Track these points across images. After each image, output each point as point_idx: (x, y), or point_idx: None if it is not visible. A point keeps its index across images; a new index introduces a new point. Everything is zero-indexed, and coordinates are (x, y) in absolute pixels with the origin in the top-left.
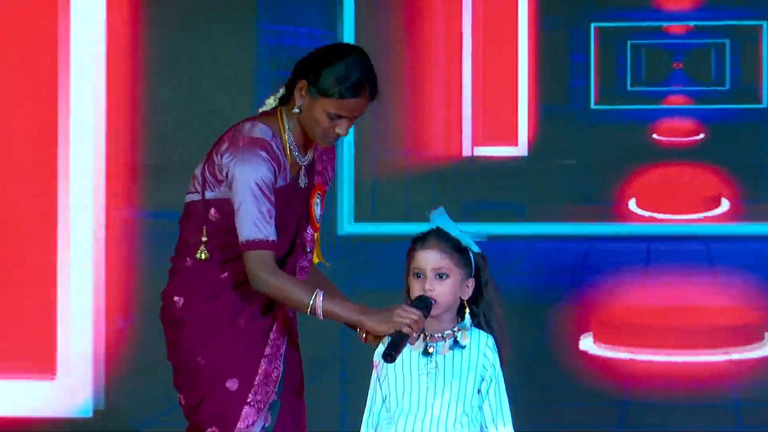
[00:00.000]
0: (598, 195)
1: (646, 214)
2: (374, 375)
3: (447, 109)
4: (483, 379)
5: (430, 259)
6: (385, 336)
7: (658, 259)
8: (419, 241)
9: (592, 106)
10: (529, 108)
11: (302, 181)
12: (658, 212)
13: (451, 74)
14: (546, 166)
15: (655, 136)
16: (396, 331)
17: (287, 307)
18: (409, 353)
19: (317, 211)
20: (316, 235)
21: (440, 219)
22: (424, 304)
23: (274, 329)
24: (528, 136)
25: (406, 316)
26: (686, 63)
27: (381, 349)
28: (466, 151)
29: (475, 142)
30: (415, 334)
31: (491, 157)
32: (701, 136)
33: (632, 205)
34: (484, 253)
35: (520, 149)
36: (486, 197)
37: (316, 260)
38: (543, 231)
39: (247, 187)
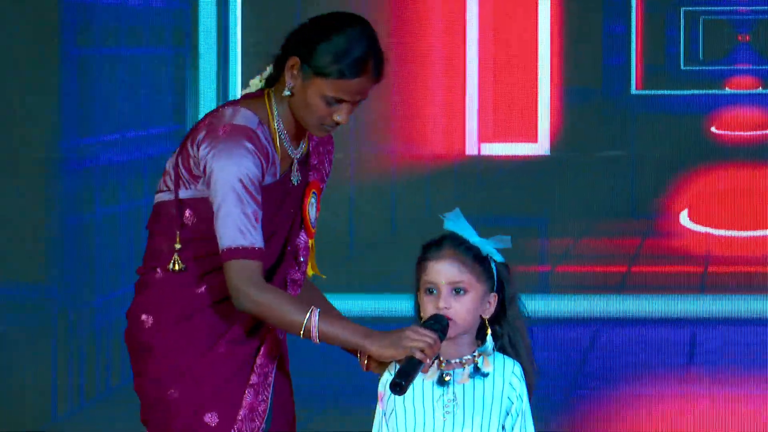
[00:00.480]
0: (640, 206)
1: (702, 229)
2: (379, 409)
3: (446, 93)
4: (508, 414)
5: (445, 271)
6: (391, 363)
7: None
8: (432, 249)
9: (633, 90)
10: (551, 94)
11: (295, 178)
12: (717, 227)
13: (453, 48)
14: (573, 170)
15: (714, 129)
16: (406, 357)
17: (276, 328)
18: (422, 383)
19: (312, 213)
20: (310, 242)
21: (456, 223)
22: (440, 325)
23: (260, 354)
24: (550, 131)
25: (419, 339)
26: (754, 36)
27: (387, 377)
28: (471, 149)
29: (482, 138)
30: (429, 361)
31: (502, 157)
32: None
33: (684, 218)
34: (509, 263)
35: (540, 146)
36: (494, 208)
37: (310, 272)
38: (567, 254)
39: (229, 185)
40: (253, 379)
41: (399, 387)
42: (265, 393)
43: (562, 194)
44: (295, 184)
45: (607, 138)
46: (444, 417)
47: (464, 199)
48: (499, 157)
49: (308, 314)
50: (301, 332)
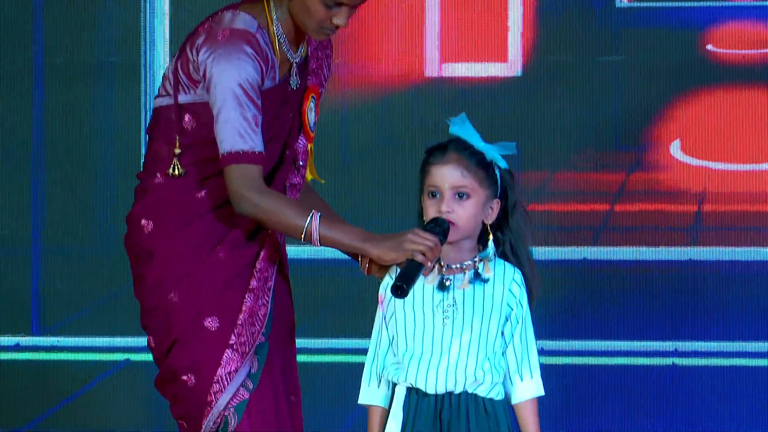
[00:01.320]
0: (626, 136)
1: (696, 162)
2: (379, 312)
3: (401, 3)
4: (507, 320)
5: (448, 175)
6: (393, 266)
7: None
8: (436, 153)
9: (618, 3)
10: (524, 6)
11: (294, 82)
12: (714, 160)
13: None
14: (547, 94)
15: (710, 47)
16: (407, 259)
17: (277, 232)
18: (422, 288)
19: (311, 117)
20: (309, 146)
21: (461, 127)
22: (441, 228)
23: (260, 258)
24: (522, 49)
25: (420, 242)
26: None
27: (388, 281)
28: (431, 71)
29: (444, 57)
30: (430, 264)
31: (467, 79)
32: None
33: (675, 149)
34: (513, 170)
35: (510, 67)
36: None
37: (309, 177)
38: (541, 193)
39: (229, 90)
40: (253, 283)
41: (400, 290)
42: (265, 297)
43: (535, 122)
44: (294, 88)
45: (588, 58)
46: (444, 322)
47: (422, 127)
48: (463, 80)
49: (309, 218)
50: (302, 236)
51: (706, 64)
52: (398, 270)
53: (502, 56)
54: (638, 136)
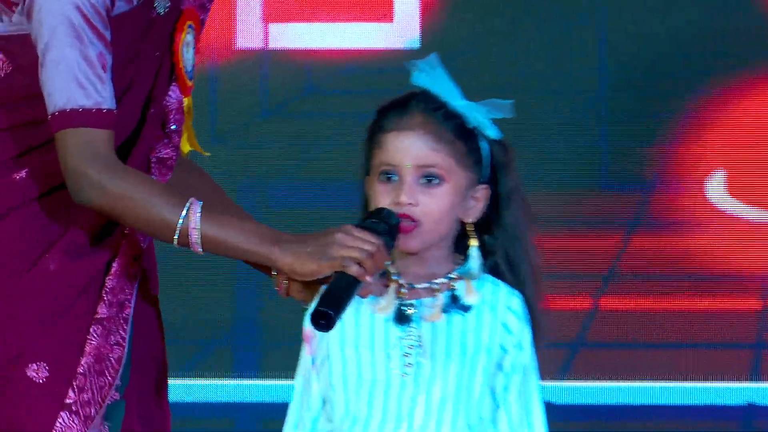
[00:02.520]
0: (614, 162)
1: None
2: (305, 356)
3: None
4: (500, 369)
5: (411, 147)
6: (321, 285)
7: None
8: (391, 115)
9: None
10: None
11: (161, 5)
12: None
13: None
14: (461, 75)
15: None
16: (336, 272)
17: (138, 231)
18: (370, 319)
19: (188, 57)
20: (186, 101)
21: (430, 75)
22: (386, 223)
23: (112, 272)
24: (420, 8)
25: (354, 244)
26: None
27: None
28: (250, 39)
29: (268, 17)
30: (369, 279)
31: (313, 53)
32: None
33: (715, 188)
34: (508, 142)
35: (401, 32)
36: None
37: (186, 148)
38: None
39: (61, 14)
40: (102, 310)
41: (324, 318)
42: (120, 332)
43: None
44: (162, 13)
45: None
46: (404, 372)
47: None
48: (305, 54)
49: (185, 209)
50: (175, 237)
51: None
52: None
53: (383, 14)
54: (636, 159)
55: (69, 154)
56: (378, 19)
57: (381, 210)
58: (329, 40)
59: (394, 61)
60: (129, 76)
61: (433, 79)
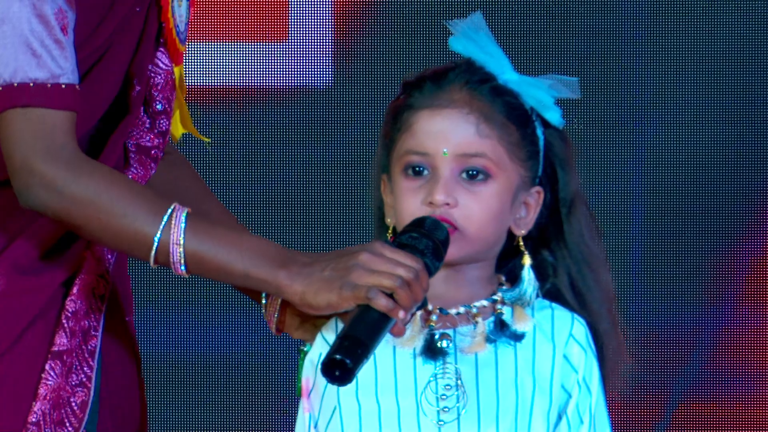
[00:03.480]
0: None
1: None
2: (303, 414)
3: None
4: (562, 415)
5: (451, 130)
6: (331, 320)
7: None
8: (426, 86)
9: None
10: None
11: None
12: None
13: None
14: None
15: None
16: (358, 306)
17: (105, 245)
18: (392, 355)
19: (180, 11)
20: (177, 71)
21: (475, 40)
22: (430, 239)
23: (73, 294)
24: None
25: (384, 268)
26: None
27: (321, 350)
28: None
29: None
30: (404, 316)
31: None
32: None
33: None
34: (566, 133)
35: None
36: None
37: (178, 132)
38: None
39: None
40: (61, 341)
41: (341, 369)
42: (85, 369)
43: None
44: None
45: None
46: (440, 421)
47: None
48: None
49: (165, 217)
50: (152, 253)
51: None
52: (339, 327)
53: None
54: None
55: (15, 142)
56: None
57: (422, 220)
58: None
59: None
60: (101, 40)
61: (478, 45)
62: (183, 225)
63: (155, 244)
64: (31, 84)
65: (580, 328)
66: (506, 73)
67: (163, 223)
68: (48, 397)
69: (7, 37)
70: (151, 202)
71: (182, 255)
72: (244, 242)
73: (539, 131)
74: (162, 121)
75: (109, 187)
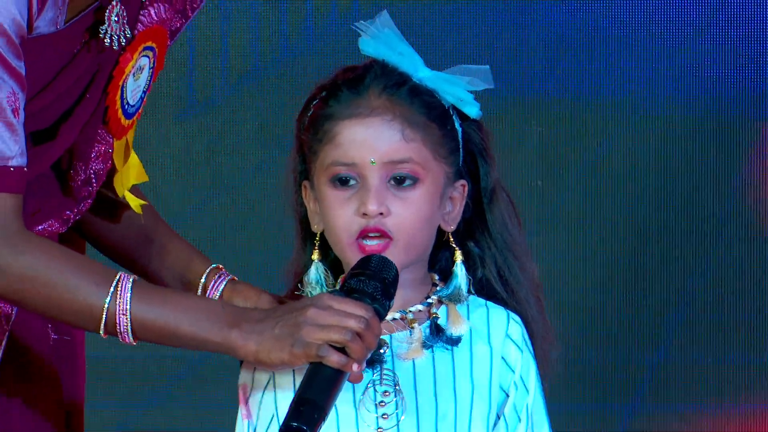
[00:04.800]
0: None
1: None
2: (241, 421)
3: None
4: (500, 416)
5: (376, 138)
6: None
7: None
8: (344, 93)
9: None
10: None
11: (114, 35)
12: None
13: None
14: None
15: None
16: (312, 364)
17: (53, 319)
18: None
19: (134, 86)
20: (116, 144)
21: (387, 40)
22: (378, 279)
23: None
24: None
25: (331, 321)
26: None
27: (251, 371)
28: None
29: None
30: (357, 367)
31: None
32: None
33: None
34: (483, 123)
35: None
36: None
37: (137, 207)
38: None
39: None
40: None
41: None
42: None
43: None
44: (115, 46)
45: None
46: (379, 427)
47: None
48: None
49: (112, 288)
50: (102, 325)
51: None
52: (295, 385)
53: None
54: None
55: None
56: None
57: (367, 260)
58: None
59: None
60: (45, 119)
61: (388, 44)
62: (130, 293)
63: (104, 315)
64: None
65: (515, 326)
66: (420, 71)
67: (109, 293)
68: None
69: None
70: (96, 273)
71: (129, 325)
72: (192, 306)
73: (457, 125)
74: (84, 190)
75: (51, 262)
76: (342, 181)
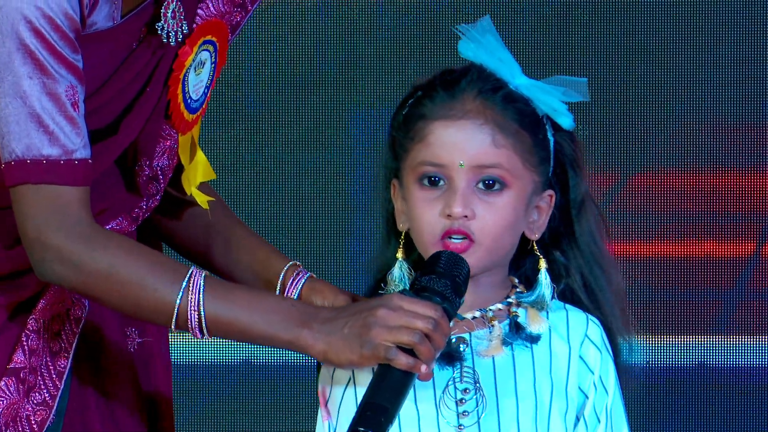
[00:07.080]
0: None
1: None
2: (322, 424)
3: None
4: (579, 417)
5: (467, 141)
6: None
7: None
8: (439, 95)
9: None
10: None
11: (172, 30)
12: None
13: None
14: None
15: None
16: (380, 366)
17: (127, 314)
18: None
19: (195, 81)
20: (181, 140)
21: (487, 45)
22: (448, 277)
23: (35, 314)
24: None
25: (401, 322)
26: None
27: (330, 371)
28: None
29: None
30: (425, 369)
31: None
32: None
33: None
34: (576, 134)
35: None
36: None
37: (204, 203)
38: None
39: (15, 39)
40: (18, 359)
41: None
42: (50, 389)
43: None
44: (173, 42)
45: None
46: (460, 425)
47: None
48: None
49: (184, 283)
50: (173, 320)
51: None
52: (357, 376)
53: None
54: None
55: (29, 216)
56: None
57: (438, 256)
58: None
59: None
60: (108, 116)
61: (488, 50)
62: (201, 290)
63: (176, 310)
64: (44, 161)
65: (594, 328)
66: (517, 78)
67: (181, 289)
68: (2, 413)
69: (19, 114)
70: (168, 270)
71: (200, 320)
72: (264, 304)
73: (549, 134)
74: (151, 186)
75: (125, 258)
76: (430, 181)
